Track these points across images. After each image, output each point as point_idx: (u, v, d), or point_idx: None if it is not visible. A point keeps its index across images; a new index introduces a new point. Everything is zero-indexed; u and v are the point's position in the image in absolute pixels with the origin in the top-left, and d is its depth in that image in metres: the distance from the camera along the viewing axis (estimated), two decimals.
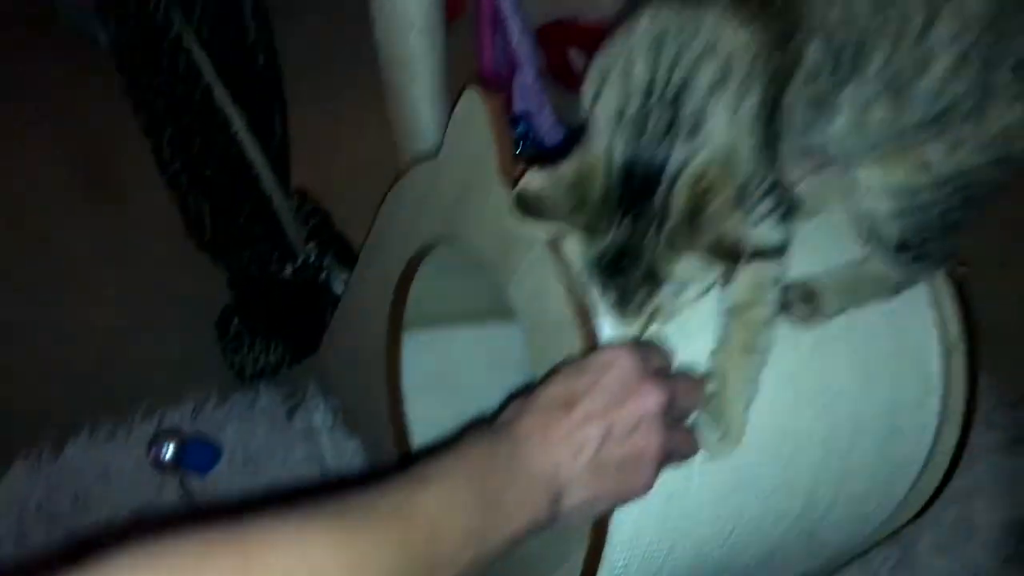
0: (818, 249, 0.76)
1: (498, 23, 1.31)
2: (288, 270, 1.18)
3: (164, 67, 0.89)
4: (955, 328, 0.80)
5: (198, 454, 1.05)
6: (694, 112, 0.58)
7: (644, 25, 0.61)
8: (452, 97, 1.30)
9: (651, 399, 0.59)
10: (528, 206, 0.60)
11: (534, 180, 0.61)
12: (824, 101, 0.62)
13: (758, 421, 0.71)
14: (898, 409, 0.80)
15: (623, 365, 0.60)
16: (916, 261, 0.73)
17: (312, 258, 1.20)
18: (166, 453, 1.01)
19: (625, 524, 0.68)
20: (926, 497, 0.86)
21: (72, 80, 1.63)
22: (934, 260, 0.75)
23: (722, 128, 0.58)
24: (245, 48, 0.93)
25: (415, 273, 0.94)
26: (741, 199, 0.60)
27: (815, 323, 0.73)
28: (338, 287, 1.24)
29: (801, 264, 0.74)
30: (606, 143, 0.60)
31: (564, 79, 1.55)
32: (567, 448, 0.57)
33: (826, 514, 0.80)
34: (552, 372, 0.63)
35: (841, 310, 0.74)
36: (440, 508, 0.52)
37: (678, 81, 0.59)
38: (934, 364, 0.81)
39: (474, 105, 0.77)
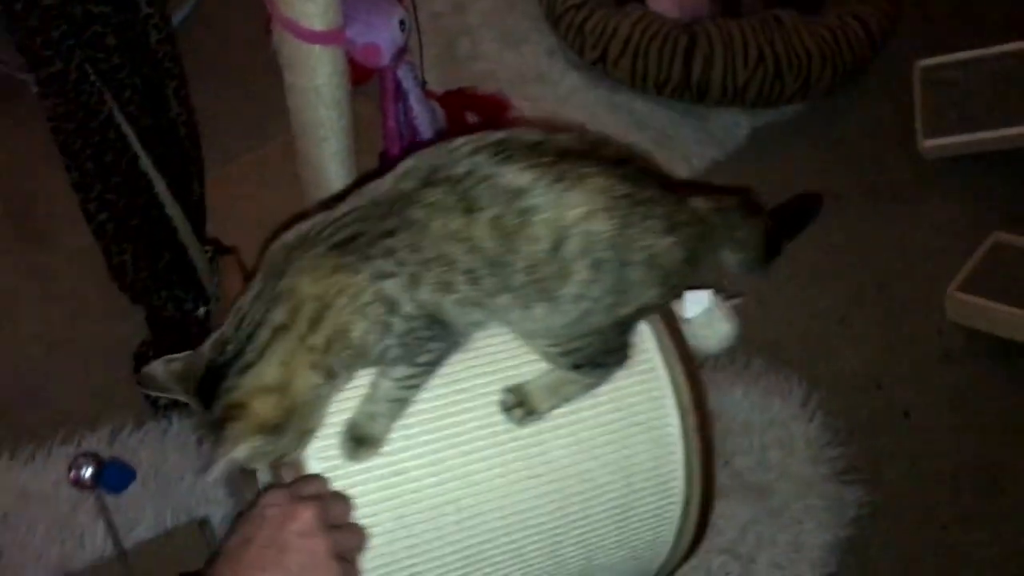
0: (527, 356, 0.90)
1: (400, 94, 1.46)
2: (201, 311, 1.29)
3: (95, 137, 1.01)
4: (687, 393, 0.94)
5: (115, 475, 1.16)
6: (257, 348, 0.73)
7: (273, 251, 0.76)
8: (358, 157, 1.46)
9: (303, 515, 0.77)
10: (144, 383, 0.77)
11: (154, 366, 0.76)
12: (480, 305, 0.76)
13: (482, 506, 0.87)
14: (634, 471, 0.93)
15: (276, 501, 0.78)
16: (597, 369, 0.86)
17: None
18: (85, 473, 1.12)
19: None
20: (692, 534, 0.99)
21: (2, 123, 1.72)
22: (615, 363, 0.87)
23: (273, 366, 0.73)
24: (168, 122, 1.06)
25: None
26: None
27: (533, 421, 0.87)
28: None
29: (517, 370, 0.89)
30: (204, 352, 0.75)
31: None
32: (257, 571, 0.76)
33: (586, 568, 0.95)
34: (231, 527, 0.81)
35: (553, 407, 0.87)
36: None
37: (256, 319, 0.73)
38: (672, 427, 0.94)
39: (226, 269, 0.93)
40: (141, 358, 1.40)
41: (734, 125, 1.82)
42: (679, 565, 1.04)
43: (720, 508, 1.35)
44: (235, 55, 1.83)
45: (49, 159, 1.64)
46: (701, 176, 1.76)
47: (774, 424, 1.46)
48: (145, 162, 1.05)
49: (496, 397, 0.89)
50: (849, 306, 1.62)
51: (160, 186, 1.09)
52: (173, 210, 1.12)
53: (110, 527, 1.15)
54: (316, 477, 0.82)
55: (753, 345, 1.53)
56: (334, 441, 0.85)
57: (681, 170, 1.75)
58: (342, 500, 0.82)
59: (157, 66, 1.02)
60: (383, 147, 1.58)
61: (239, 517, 0.80)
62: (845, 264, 1.67)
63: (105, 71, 0.96)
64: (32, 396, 1.42)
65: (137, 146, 1.04)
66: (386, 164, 1.59)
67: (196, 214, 1.18)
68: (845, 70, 1.80)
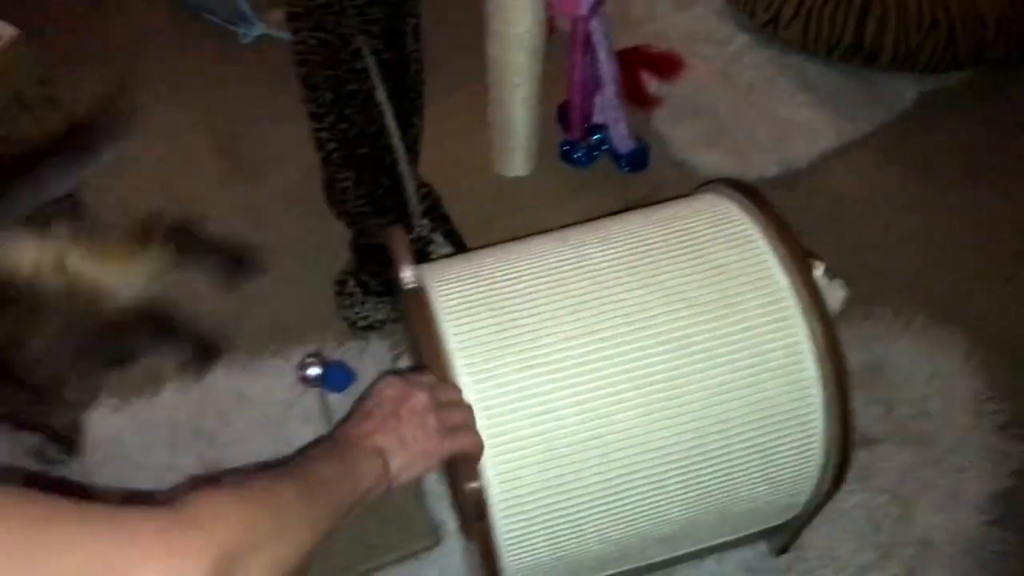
0: (660, 308, 1.04)
1: (588, 46, 1.55)
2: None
3: (342, 68, 1.13)
4: (821, 338, 1.01)
5: (338, 375, 1.29)
6: None
7: None
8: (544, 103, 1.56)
9: (418, 396, 0.93)
10: None
11: None
12: None
13: (623, 442, 0.98)
14: (771, 413, 1.01)
15: (392, 383, 0.95)
16: None
17: (425, 232, 1.44)
18: (312, 371, 1.25)
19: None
20: (833, 473, 1.06)
21: (215, 72, 1.89)
22: None
23: None
24: (404, 58, 1.18)
25: None
26: None
27: None
28: None
29: (650, 320, 1.03)
30: None
31: (634, 98, 1.78)
32: (380, 435, 0.91)
33: (730, 501, 1.05)
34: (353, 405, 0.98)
35: None
36: (326, 471, 0.85)
37: None
38: (808, 371, 1.01)
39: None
40: (341, 284, 1.54)
41: (903, 89, 1.85)
42: (824, 501, 1.12)
43: (881, 453, 1.42)
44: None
45: (257, 104, 1.81)
46: (868, 139, 1.79)
47: (936, 376, 1.50)
48: (381, 94, 1.17)
49: (633, 345, 1.00)
50: (1016, 267, 1.64)
51: (389, 117, 1.21)
52: (396, 141, 1.24)
53: (329, 422, 1.29)
54: (425, 370, 0.98)
55: (918, 300, 1.57)
56: (492, 383, 0.98)
57: (848, 132, 1.79)
58: (451, 385, 0.97)
59: (401, 4, 1.13)
60: (565, 98, 1.68)
61: (359, 399, 0.97)
62: (1011, 228, 1.68)
63: (360, 6, 1.08)
64: (245, 313, 1.57)
65: (377, 78, 1.15)
66: (566, 114, 1.69)
67: (413, 146, 1.30)
68: (1020, 38, 1.80)
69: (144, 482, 1.39)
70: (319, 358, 1.27)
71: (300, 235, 1.64)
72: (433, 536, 1.30)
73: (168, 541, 0.52)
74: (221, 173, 1.75)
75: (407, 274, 1.08)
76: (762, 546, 1.31)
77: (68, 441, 1.36)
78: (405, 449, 0.93)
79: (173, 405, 1.46)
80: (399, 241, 1.13)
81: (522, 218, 1.64)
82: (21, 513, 0.47)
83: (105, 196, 1.69)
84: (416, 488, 1.35)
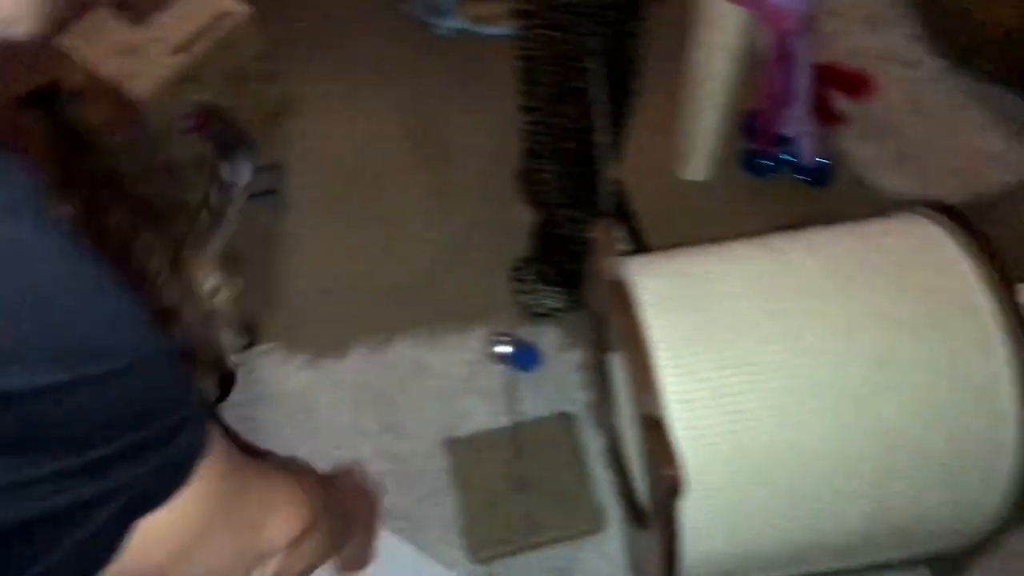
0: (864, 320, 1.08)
1: (788, 59, 1.56)
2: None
3: (565, 66, 1.18)
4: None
5: (526, 355, 1.36)
6: None
7: None
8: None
9: (376, 500, 0.99)
10: None
11: None
12: None
13: (813, 449, 1.01)
14: (963, 438, 1.01)
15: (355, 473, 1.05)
16: None
17: (610, 227, 1.48)
18: (503, 348, 1.32)
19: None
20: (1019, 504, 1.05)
21: (411, 61, 1.97)
22: None
23: None
24: (626, 59, 1.22)
25: None
26: None
27: None
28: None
29: (852, 330, 1.06)
30: None
31: (822, 114, 1.78)
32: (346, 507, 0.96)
33: (912, 517, 1.05)
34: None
35: None
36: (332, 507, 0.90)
37: None
38: (1005, 398, 1.00)
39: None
40: (519, 271, 1.60)
41: None
42: (1001, 534, 1.11)
43: None
44: None
45: (449, 94, 1.89)
46: None
47: None
48: (601, 94, 1.22)
49: (833, 356, 1.01)
50: None
51: (603, 117, 1.25)
52: (604, 140, 1.28)
53: (511, 401, 1.35)
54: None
55: None
56: (691, 378, 1.01)
57: None
58: None
59: (635, 9, 1.18)
60: (752, 106, 1.70)
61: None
62: None
63: (596, 8, 1.13)
64: (426, 290, 1.65)
65: (600, 79, 1.20)
66: (754, 123, 1.71)
67: (619, 146, 1.35)
68: None
69: (327, 440, 1.48)
70: (510, 336, 1.34)
71: (483, 219, 1.71)
72: (596, 521, 1.35)
73: (294, 494, 0.72)
74: (412, 157, 1.83)
75: (610, 266, 1.13)
76: (924, 570, 1.30)
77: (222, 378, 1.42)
78: (342, 535, 0.98)
79: (359, 368, 1.55)
80: (604, 233, 1.18)
81: (701, 221, 1.67)
82: (233, 459, 0.64)
83: (304, 172, 1.81)
84: (583, 472, 1.40)
